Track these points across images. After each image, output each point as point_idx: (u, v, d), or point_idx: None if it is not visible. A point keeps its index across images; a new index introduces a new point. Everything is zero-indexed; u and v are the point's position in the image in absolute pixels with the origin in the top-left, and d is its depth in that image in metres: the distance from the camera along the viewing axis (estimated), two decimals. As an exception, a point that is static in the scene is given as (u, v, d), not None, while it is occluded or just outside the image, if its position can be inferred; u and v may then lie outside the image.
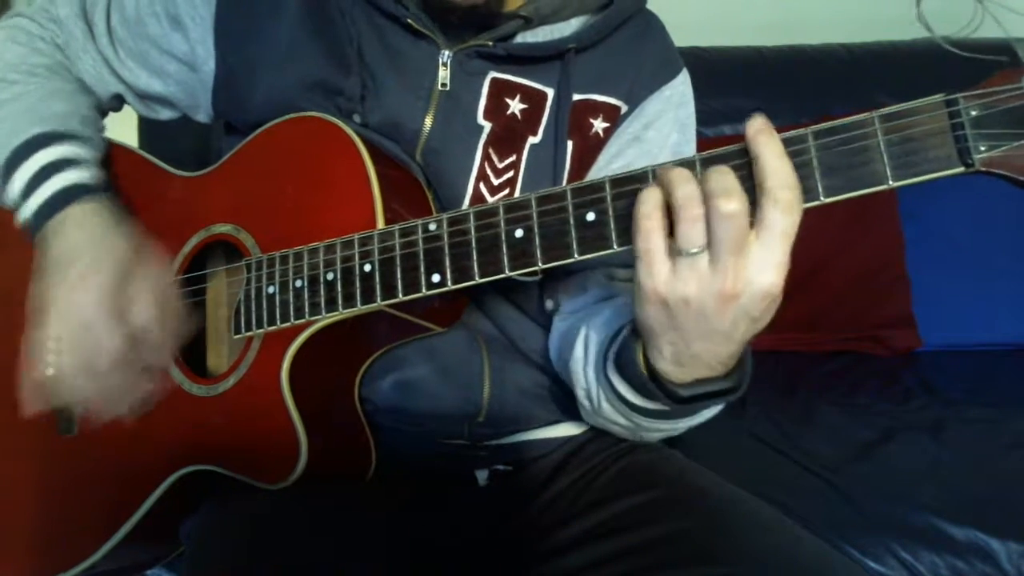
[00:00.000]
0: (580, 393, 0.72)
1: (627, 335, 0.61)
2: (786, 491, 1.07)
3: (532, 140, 0.74)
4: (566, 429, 0.81)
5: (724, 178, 0.47)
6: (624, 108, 0.76)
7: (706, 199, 0.47)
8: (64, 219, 0.69)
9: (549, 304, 0.77)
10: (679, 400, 0.58)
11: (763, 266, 0.48)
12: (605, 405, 0.68)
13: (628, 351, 0.60)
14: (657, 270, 0.50)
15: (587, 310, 0.73)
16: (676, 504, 0.69)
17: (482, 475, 0.79)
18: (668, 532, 0.66)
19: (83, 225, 0.69)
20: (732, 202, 0.46)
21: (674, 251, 0.49)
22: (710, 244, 0.48)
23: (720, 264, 0.48)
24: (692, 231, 0.48)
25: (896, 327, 1.50)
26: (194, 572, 0.68)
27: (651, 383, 0.58)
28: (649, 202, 0.49)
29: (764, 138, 0.48)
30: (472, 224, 0.58)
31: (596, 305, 0.73)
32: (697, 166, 0.51)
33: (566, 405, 0.79)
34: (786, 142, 0.49)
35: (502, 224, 0.57)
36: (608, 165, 0.75)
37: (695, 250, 0.48)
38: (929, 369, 1.44)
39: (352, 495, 0.72)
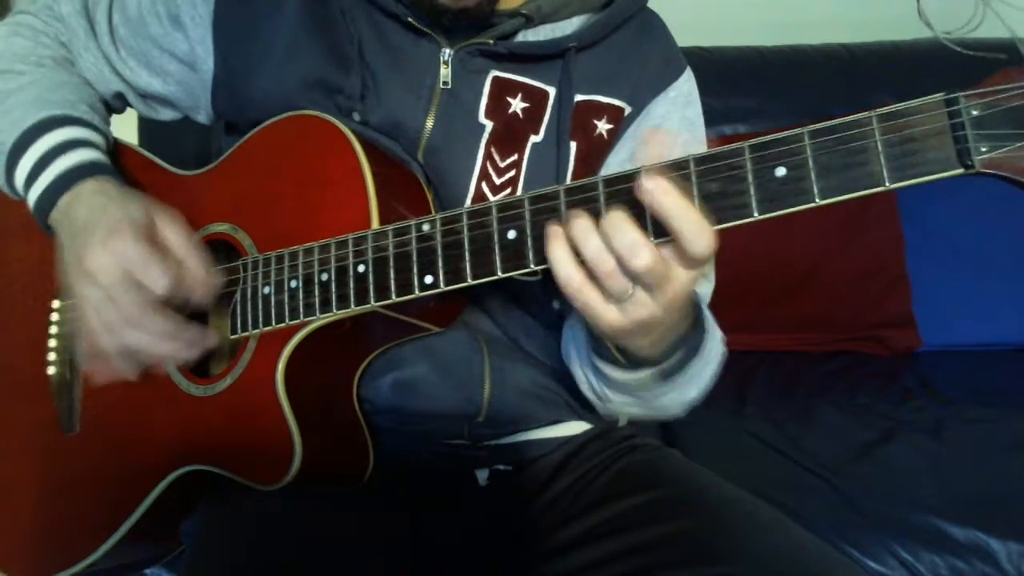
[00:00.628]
0: (585, 389, 0.73)
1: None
2: (786, 491, 1.07)
3: (534, 139, 0.74)
4: (566, 429, 0.81)
5: (624, 234, 0.49)
6: (628, 109, 0.76)
7: (613, 255, 0.50)
8: (78, 192, 0.69)
9: (556, 304, 0.77)
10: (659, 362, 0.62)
11: (693, 273, 0.52)
12: (610, 393, 0.70)
13: (602, 348, 0.64)
14: (603, 317, 0.53)
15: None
16: (676, 504, 0.69)
17: (482, 475, 0.78)
18: (668, 532, 0.66)
19: (99, 194, 0.69)
20: (640, 257, 0.49)
21: (609, 296, 0.52)
22: (639, 285, 0.51)
23: (656, 291, 0.51)
24: (614, 283, 0.51)
25: (896, 327, 1.50)
26: (193, 571, 0.68)
27: (631, 365, 0.62)
28: (564, 262, 0.51)
29: (660, 196, 0.49)
30: (465, 225, 0.58)
31: None
32: (692, 166, 0.50)
33: (566, 405, 0.80)
34: (781, 142, 0.48)
35: (495, 225, 0.56)
36: (618, 169, 0.75)
37: (629, 292, 0.51)
38: (929, 369, 1.44)
39: (352, 495, 0.72)
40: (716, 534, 0.66)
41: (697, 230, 0.48)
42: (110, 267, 0.63)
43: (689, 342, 0.62)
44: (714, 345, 0.67)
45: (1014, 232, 1.48)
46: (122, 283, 0.63)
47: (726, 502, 0.70)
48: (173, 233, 0.66)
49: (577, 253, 0.51)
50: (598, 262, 0.50)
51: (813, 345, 1.52)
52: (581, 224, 0.51)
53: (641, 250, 0.49)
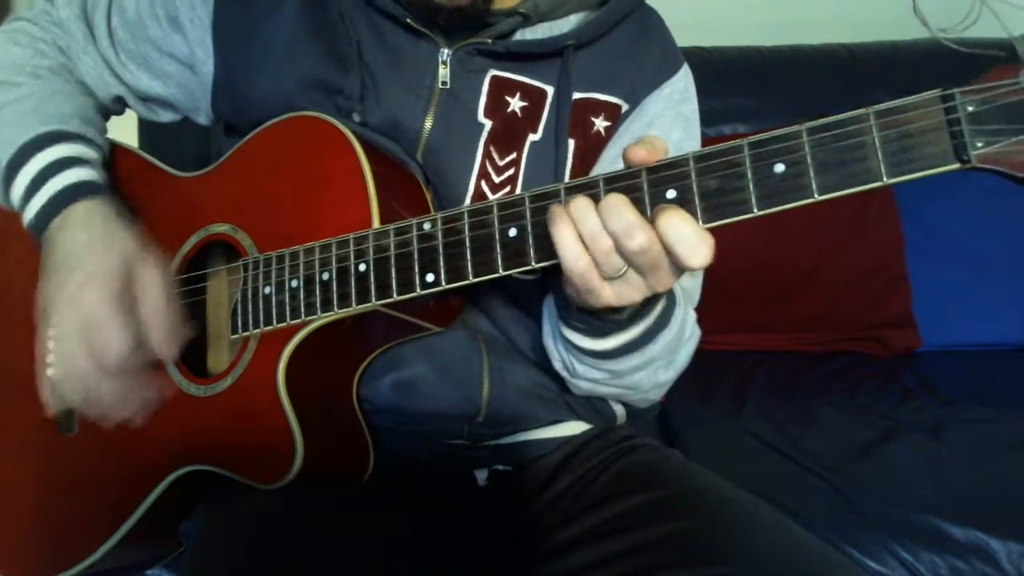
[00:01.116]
0: (558, 366, 0.73)
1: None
2: (786, 491, 1.07)
3: (532, 138, 0.74)
4: (566, 429, 0.81)
5: (620, 216, 0.50)
6: (625, 107, 0.76)
7: (610, 235, 0.51)
8: (67, 217, 0.69)
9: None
10: (623, 324, 0.62)
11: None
12: (578, 367, 0.70)
13: (568, 309, 0.64)
14: (600, 294, 0.54)
15: None
16: (676, 504, 0.69)
17: (482, 475, 0.78)
18: (668, 532, 0.66)
19: (87, 223, 0.69)
20: (635, 239, 0.50)
21: (605, 276, 0.53)
22: (632, 266, 0.52)
23: (648, 272, 0.52)
24: (609, 261, 0.52)
25: (896, 327, 1.50)
26: (194, 572, 0.68)
27: (592, 319, 0.63)
28: (570, 244, 0.52)
29: (668, 219, 0.50)
30: (466, 223, 0.58)
31: None
32: (691, 163, 0.51)
33: (566, 405, 0.80)
34: (780, 138, 0.48)
35: (496, 223, 0.57)
36: (612, 165, 0.75)
37: (622, 270, 0.53)
38: (929, 369, 1.44)
39: (352, 495, 0.72)
40: (716, 534, 0.66)
41: (697, 244, 0.49)
42: (71, 320, 0.64)
43: (656, 308, 0.63)
44: (687, 322, 0.69)
45: (1014, 232, 1.48)
46: (78, 339, 0.63)
47: (726, 502, 0.70)
48: (148, 293, 0.66)
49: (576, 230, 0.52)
50: (595, 240, 0.51)
51: (813, 345, 1.52)
52: (581, 203, 0.52)
53: (637, 231, 0.50)
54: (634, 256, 0.51)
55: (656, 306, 0.63)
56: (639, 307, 0.61)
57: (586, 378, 0.70)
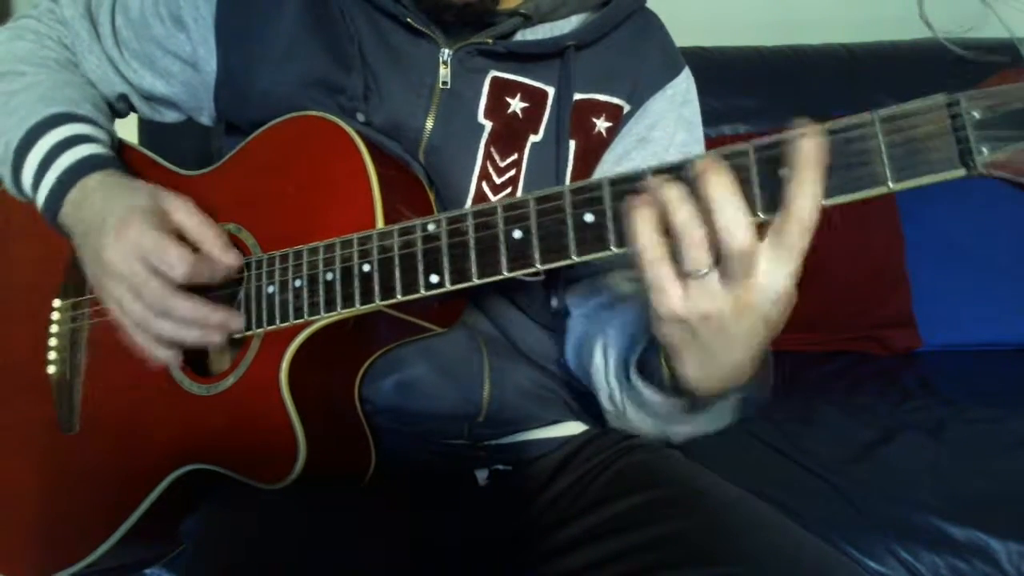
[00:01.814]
0: (604, 398, 0.72)
1: (647, 345, 0.61)
2: (786, 491, 1.07)
3: (533, 139, 0.74)
4: (566, 429, 0.81)
5: (728, 208, 0.45)
6: (627, 108, 0.76)
7: (710, 226, 0.46)
8: (83, 188, 0.70)
9: (555, 302, 0.76)
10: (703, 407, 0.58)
11: (777, 275, 0.47)
12: (631, 410, 0.68)
13: (651, 360, 0.60)
14: (670, 295, 0.48)
15: (600, 314, 0.74)
16: (676, 504, 0.69)
17: (482, 475, 0.78)
18: (668, 532, 0.66)
19: (104, 188, 0.69)
20: (739, 236, 0.45)
21: (682, 273, 0.48)
22: (719, 264, 0.47)
23: (733, 281, 0.47)
24: (698, 255, 0.47)
25: (896, 327, 1.50)
26: (194, 571, 0.68)
27: (677, 392, 0.58)
28: (646, 230, 0.47)
29: (808, 174, 0.45)
30: (471, 224, 0.58)
31: (609, 310, 0.73)
32: (688, 172, 0.50)
33: (566, 405, 0.80)
34: (785, 143, 0.48)
35: (500, 225, 0.56)
36: (615, 167, 0.75)
37: (704, 271, 0.47)
38: (929, 369, 1.44)
39: (352, 495, 0.72)
40: (716, 534, 0.66)
41: (812, 192, 0.45)
42: (127, 259, 0.63)
43: (738, 394, 0.59)
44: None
45: (1014, 232, 1.48)
46: (142, 272, 0.63)
47: (726, 502, 0.70)
48: (185, 216, 0.66)
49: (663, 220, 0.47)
50: (688, 230, 0.46)
51: (813, 345, 1.52)
52: (676, 190, 0.47)
53: (742, 227, 0.45)
54: (728, 257, 0.45)
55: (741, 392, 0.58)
56: (724, 383, 0.55)
57: (631, 422, 0.70)
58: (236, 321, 0.67)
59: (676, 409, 0.62)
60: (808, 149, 0.44)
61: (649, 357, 0.60)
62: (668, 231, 0.47)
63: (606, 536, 0.69)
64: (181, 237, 0.66)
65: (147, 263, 0.63)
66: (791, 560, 0.63)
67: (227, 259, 0.66)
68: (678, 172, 0.49)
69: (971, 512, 1.05)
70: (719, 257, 0.46)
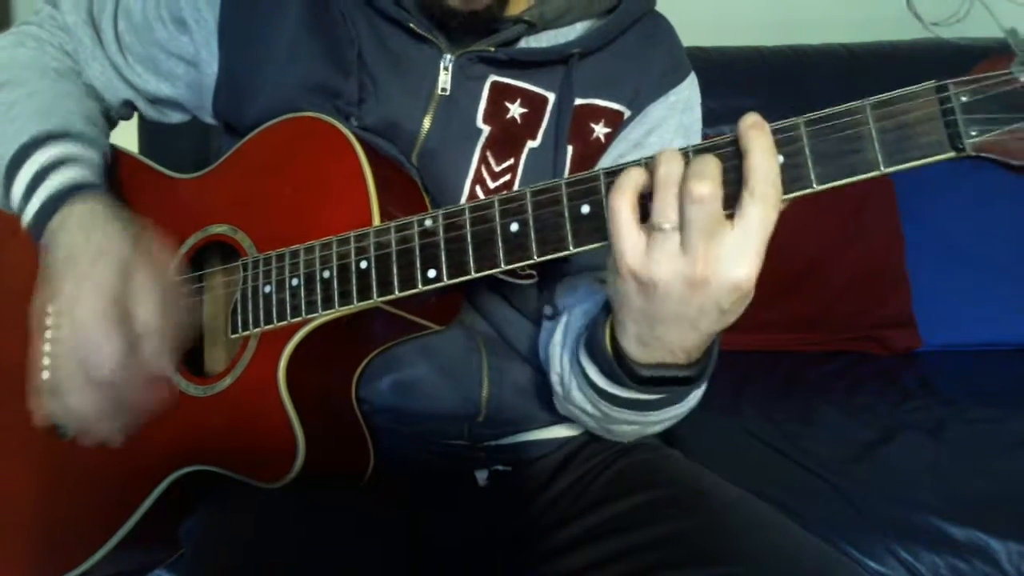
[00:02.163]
0: (554, 379, 0.71)
1: (598, 312, 0.61)
2: (786, 491, 1.07)
3: (531, 144, 0.74)
4: (566, 430, 0.80)
5: (704, 165, 0.47)
6: (627, 113, 0.75)
7: (683, 181, 0.48)
8: (63, 220, 0.68)
9: (548, 311, 0.76)
10: (639, 380, 0.58)
11: (736, 257, 0.48)
12: (575, 392, 0.67)
13: (597, 330, 0.60)
14: (631, 245, 0.50)
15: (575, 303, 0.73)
16: (676, 504, 0.69)
17: (482, 475, 0.78)
18: (668, 532, 0.66)
19: (84, 225, 0.67)
20: (704, 185, 0.46)
21: (648, 225, 0.49)
22: (682, 226, 0.48)
23: (691, 247, 0.48)
24: (665, 207, 0.48)
25: (896, 327, 1.50)
26: (193, 572, 0.68)
27: (615, 361, 0.58)
28: (628, 179, 0.50)
29: (755, 133, 0.47)
30: (467, 219, 0.58)
31: (586, 302, 0.73)
32: (690, 156, 0.50)
33: (566, 406, 0.79)
34: (779, 130, 0.48)
35: (497, 218, 0.57)
36: None
37: (667, 226, 0.48)
38: (929, 369, 1.44)
39: (351, 495, 0.72)
40: (716, 534, 0.66)
41: (770, 172, 0.47)
42: (64, 328, 0.62)
43: (677, 388, 0.60)
44: (697, 395, 0.65)
45: (1014, 232, 1.48)
46: (69, 349, 0.61)
47: (726, 502, 0.70)
48: (144, 294, 0.63)
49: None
50: (666, 182, 0.48)
51: (813, 345, 1.52)
52: (672, 151, 0.49)
53: (709, 178, 0.47)
54: (692, 203, 0.47)
55: (677, 387, 0.59)
56: (661, 376, 0.57)
57: (575, 404, 0.69)
58: (145, 414, 0.65)
59: (614, 390, 0.61)
60: (748, 123, 0.47)
61: (596, 328, 0.60)
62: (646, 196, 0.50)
63: (606, 536, 0.69)
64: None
65: (76, 347, 0.61)
66: (791, 560, 0.63)
67: (159, 367, 0.63)
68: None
69: (971, 512, 1.05)
70: (682, 222, 0.48)
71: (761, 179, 0.47)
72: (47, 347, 0.79)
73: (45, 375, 0.78)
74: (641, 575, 0.64)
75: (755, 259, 0.48)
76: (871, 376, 1.43)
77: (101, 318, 0.61)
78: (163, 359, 0.63)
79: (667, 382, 0.58)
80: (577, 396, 0.67)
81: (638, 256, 0.50)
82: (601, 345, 0.59)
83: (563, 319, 0.71)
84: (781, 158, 0.48)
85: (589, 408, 0.67)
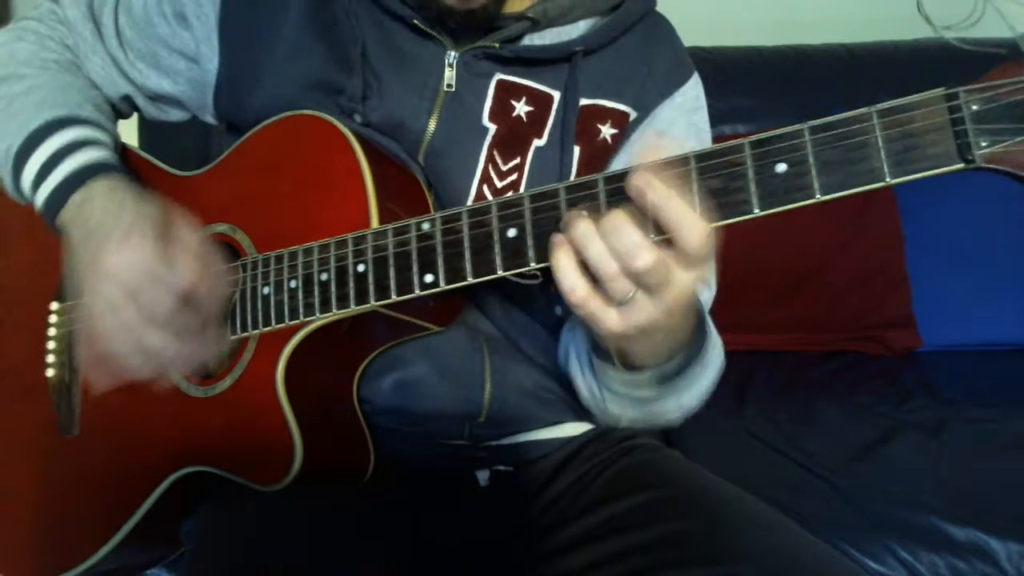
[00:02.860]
0: (584, 394, 0.73)
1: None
2: (786, 491, 1.07)
3: (537, 143, 0.74)
4: (567, 430, 0.80)
5: (625, 236, 0.49)
6: (633, 114, 0.75)
7: (615, 258, 0.49)
8: (91, 190, 0.68)
9: (559, 310, 0.77)
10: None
11: (690, 274, 0.51)
12: (607, 395, 0.70)
13: (604, 354, 0.63)
14: (606, 321, 0.52)
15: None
16: (676, 504, 0.69)
17: (483, 475, 0.78)
18: (668, 532, 0.66)
19: (113, 193, 0.68)
20: (641, 259, 0.48)
21: (611, 300, 0.51)
22: (640, 287, 0.50)
23: (657, 294, 0.50)
24: (617, 286, 0.50)
25: (896, 327, 1.50)
26: (194, 572, 0.68)
27: (632, 371, 0.62)
28: (568, 272, 0.51)
29: (649, 193, 0.49)
30: (465, 223, 0.57)
31: None
32: (692, 163, 0.50)
33: (567, 406, 0.79)
34: (782, 138, 0.48)
35: (495, 223, 0.56)
36: None
37: (630, 294, 0.50)
38: (929, 369, 1.44)
39: (352, 495, 0.72)
40: (716, 534, 0.66)
41: (689, 223, 0.48)
42: (131, 265, 0.61)
43: (688, 349, 0.62)
44: (715, 353, 0.67)
45: (1014, 232, 1.48)
46: (144, 281, 0.61)
47: (726, 502, 0.70)
48: (188, 233, 0.65)
49: (580, 256, 0.51)
50: (601, 265, 0.50)
51: (813, 345, 1.52)
52: (583, 227, 0.50)
53: (642, 252, 0.48)
54: (641, 276, 0.49)
55: (690, 346, 0.62)
56: (670, 348, 0.60)
57: (614, 408, 0.71)
58: (225, 341, 0.67)
59: (643, 381, 0.64)
60: (635, 185, 0.49)
61: (602, 353, 0.64)
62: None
63: (607, 536, 0.69)
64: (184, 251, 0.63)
65: (151, 272, 0.61)
66: (791, 560, 0.63)
67: (223, 280, 0.65)
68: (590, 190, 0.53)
69: (971, 512, 1.05)
70: (639, 285, 0.50)
71: (676, 226, 0.49)
72: (51, 344, 0.79)
73: (50, 372, 0.77)
74: (641, 575, 0.64)
75: (709, 260, 0.51)
76: (871, 376, 1.43)
77: (148, 249, 0.61)
78: (214, 295, 0.64)
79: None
80: (611, 401, 0.70)
81: (618, 323, 0.52)
82: (613, 364, 0.63)
83: (566, 336, 0.73)
84: (784, 166, 0.48)
85: (628, 405, 0.69)
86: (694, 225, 0.48)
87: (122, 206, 0.66)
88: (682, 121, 0.77)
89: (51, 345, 0.81)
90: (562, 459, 0.79)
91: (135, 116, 0.88)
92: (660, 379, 0.63)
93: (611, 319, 0.52)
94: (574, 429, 0.81)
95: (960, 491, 1.09)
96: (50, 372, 0.80)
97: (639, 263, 0.48)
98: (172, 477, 0.69)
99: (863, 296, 1.51)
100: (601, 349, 0.64)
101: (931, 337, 1.49)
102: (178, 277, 0.61)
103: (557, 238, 0.52)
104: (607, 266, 0.50)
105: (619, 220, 0.49)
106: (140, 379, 0.65)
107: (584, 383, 0.72)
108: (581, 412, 0.80)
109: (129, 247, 0.61)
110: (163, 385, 0.70)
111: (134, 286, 0.61)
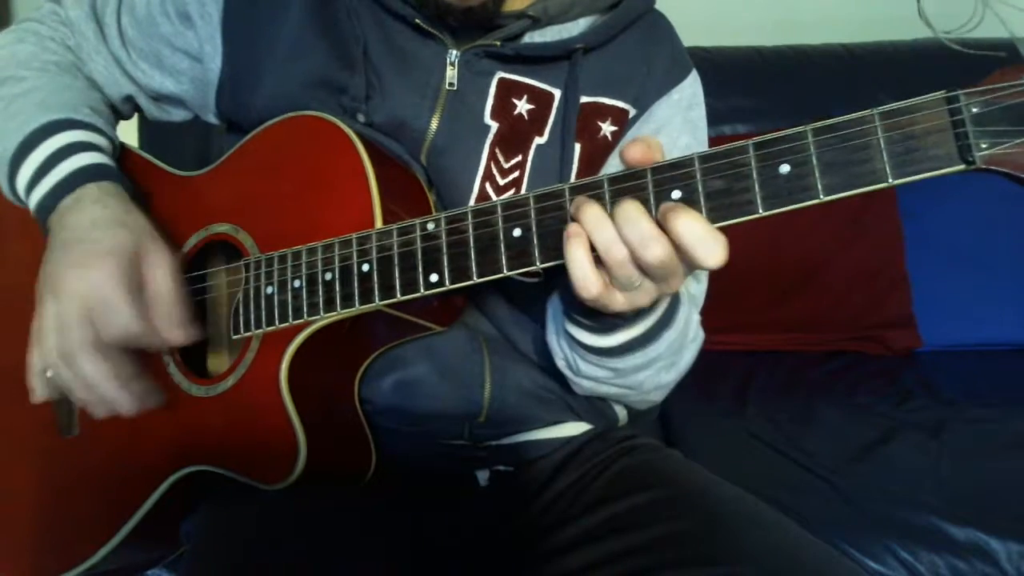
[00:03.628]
0: (561, 364, 0.73)
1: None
2: (786, 491, 1.08)
3: (538, 141, 0.74)
4: (567, 430, 0.81)
5: (636, 227, 0.49)
6: (632, 112, 0.75)
7: (626, 245, 0.50)
8: (81, 196, 0.68)
9: None
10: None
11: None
12: (582, 364, 0.69)
13: (576, 309, 0.64)
14: (612, 305, 0.54)
15: None
16: (676, 504, 0.69)
17: (483, 475, 0.79)
18: (668, 532, 0.66)
19: (100, 202, 0.68)
20: (652, 250, 0.49)
21: (618, 287, 0.53)
22: (647, 276, 0.52)
23: (663, 283, 0.52)
24: (623, 273, 0.51)
25: (896, 327, 1.50)
26: (193, 571, 0.68)
27: (604, 326, 0.63)
28: (583, 264, 0.51)
29: (684, 222, 0.49)
30: (470, 223, 0.58)
31: None
32: (696, 164, 0.51)
33: (567, 406, 0.80)
34: (785, 139, 0.48)
35: (500, 223, 0.56)
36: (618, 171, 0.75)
37: (636, 283, 0.52)
38: (929, 369, 1.44)
39: (352, 495, 0.72)
40: (716, 534, 0.66)
41: (711, 240, 0.48)
42: (75, 294, 0.61)
43: (660, 307, 0.63)
44: (691, 323, 0.69)
45: (1014, 232, 1.48)
46: (80, 314, 0.61)
47: (726, 502, 0.70)
48: (159, 269, 0.64)
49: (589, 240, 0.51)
50: (611, 250, 0.51)
51: (813, 345, 1.52)
52: (595, 211, 0.51)
53: (653, 243, 0.49)
54: (650, 267, 0.50)
55: (660, 305, 0.62)
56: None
57: (589, 376, 0.70)
58: (155, 398, 0.65)
59: (617, 346, 0.64)
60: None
61: (572, 307, 0.64)
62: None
63: (606, 536, 0.69)
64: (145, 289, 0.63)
65: (90, 310, 0.61)
66: (791, 559, 0.63)
67: (170, 335, 0.63)
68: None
69: (971, 512, 1.05)
70: (646, 274, 0.52)
71: (703, 256, 0.48)
72: (49, 320, 0.79)
73: (49, 373, 0.77)
74: (641, 574, 0.64)
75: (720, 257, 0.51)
76: (871, 376, 1.43)
77: (118, 280, 0.61)
78: (174, 327, 0.64)
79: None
80: (584, 367, 0.69)
81: (623, 302, 0.54)
82: (582, 310, 0.62)
83: (548, 308, 0.73)
84: (787, 168, 0.48)
85: (600, 373, 0.69)
86: (716, 245, 0.49)
87: (96, 225, 0.65)
88: (678, 118, 0.77)
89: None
90: (562, 459, 0.79)
91: (136, 118, 0.88)
92: (634, 344, 0.64)
93: (617, 302, 0.54)
94: (574, 429, 0.81)
95: (960, 491, 1.09)
96: (49, 372, 0.80)
97: (650, 254, 0.49)
98: (173, 477, 0.69)
99: (863, 296, 1.51)
100: (573, 309, 0.64)
101: (931, 337, 1.49)
102: (115, 324, 0.61)
103: (572, 228, 0.52)
104: (617, 251, 0.50)
105: (634, 211, 0.50)
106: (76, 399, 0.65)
107: (559, 350, 0.72)
108: (581, 412, 0.80)
109: (83, 275, 0.61)
110: (163, 383, 0.70)
111: (71, 316, 0.61)
